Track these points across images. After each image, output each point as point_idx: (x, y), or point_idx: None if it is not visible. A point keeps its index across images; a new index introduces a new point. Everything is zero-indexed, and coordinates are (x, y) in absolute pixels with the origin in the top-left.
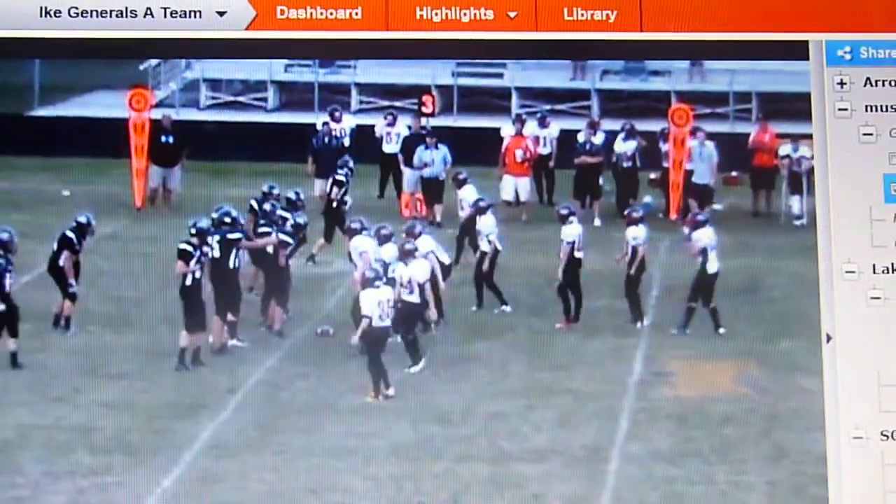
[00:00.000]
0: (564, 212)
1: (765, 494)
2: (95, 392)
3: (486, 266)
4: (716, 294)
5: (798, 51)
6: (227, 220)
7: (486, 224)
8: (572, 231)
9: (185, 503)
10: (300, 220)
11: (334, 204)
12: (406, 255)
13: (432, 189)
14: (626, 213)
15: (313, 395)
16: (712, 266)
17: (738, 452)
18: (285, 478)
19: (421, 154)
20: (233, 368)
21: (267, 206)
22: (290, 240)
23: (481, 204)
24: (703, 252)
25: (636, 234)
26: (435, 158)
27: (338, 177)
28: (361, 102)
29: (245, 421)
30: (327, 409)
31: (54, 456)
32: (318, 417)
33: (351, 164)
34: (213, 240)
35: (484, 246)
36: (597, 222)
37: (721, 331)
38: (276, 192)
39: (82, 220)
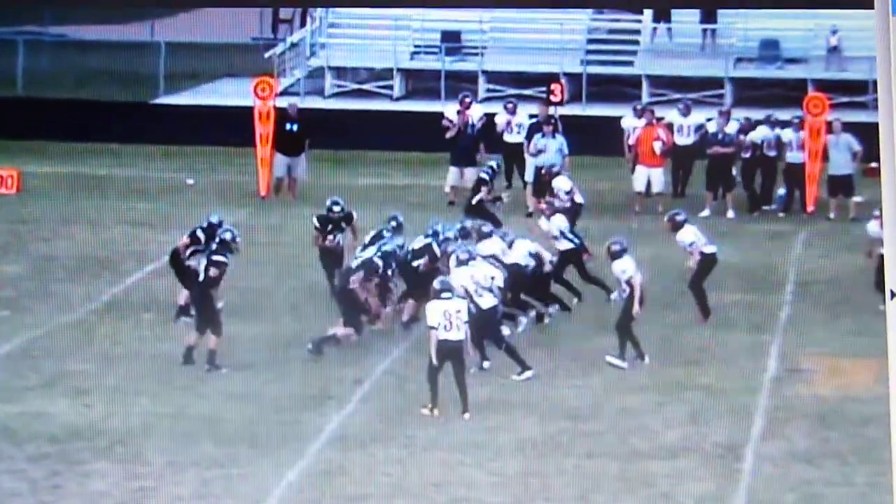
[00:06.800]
0: (616, 248)
1: None
2: (220, 382)
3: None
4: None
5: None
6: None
7: (556, 224)
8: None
9: (310, 496)
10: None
11: (473, 202)
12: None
13: (543, 179)
14: (606, 246)
15: (440, 388)
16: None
17: (880, 454)
18: (410, 471)
19: (536, 141)
20: (359, 359)
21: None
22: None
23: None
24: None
25: (623, 267)
26: (549, 147)
27: (482, 175)
28: (489, 91)
29: (371, 413)
30: (454, 401)
31: (179, 446)
32: (445, 410)
33: (495, 161)
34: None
35: (562, 245)
36: (730, 214)
37: None
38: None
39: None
